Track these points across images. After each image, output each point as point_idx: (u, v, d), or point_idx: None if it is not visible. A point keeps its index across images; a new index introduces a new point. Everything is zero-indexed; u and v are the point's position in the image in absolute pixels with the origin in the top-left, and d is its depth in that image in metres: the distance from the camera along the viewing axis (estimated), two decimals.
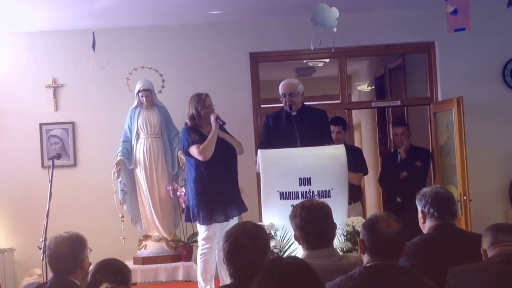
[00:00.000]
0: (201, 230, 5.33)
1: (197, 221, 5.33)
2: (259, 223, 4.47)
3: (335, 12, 4.73)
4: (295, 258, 2.43)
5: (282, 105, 5.49)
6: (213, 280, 5.36)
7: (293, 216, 3.30)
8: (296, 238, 3.28)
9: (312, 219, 3.20)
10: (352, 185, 5.41)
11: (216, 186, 5.24)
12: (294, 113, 5.29)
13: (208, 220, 5.22)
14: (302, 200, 4.10)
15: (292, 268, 2.22)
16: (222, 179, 5.27)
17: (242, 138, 5.73)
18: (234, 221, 5.21)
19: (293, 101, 5.35)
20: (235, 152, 5.40)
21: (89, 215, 6.57)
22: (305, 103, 5.56)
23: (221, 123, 5.28)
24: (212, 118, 5.26)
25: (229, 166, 5.34)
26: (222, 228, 5.19)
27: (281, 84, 5.45)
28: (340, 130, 6.21)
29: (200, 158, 5.19)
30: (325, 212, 3.28)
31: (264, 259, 2.77)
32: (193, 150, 5.22)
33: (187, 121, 5.40)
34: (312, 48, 4.66)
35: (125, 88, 6.72)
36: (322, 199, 4.04)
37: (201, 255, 5.33)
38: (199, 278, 5.37)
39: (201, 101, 5.33)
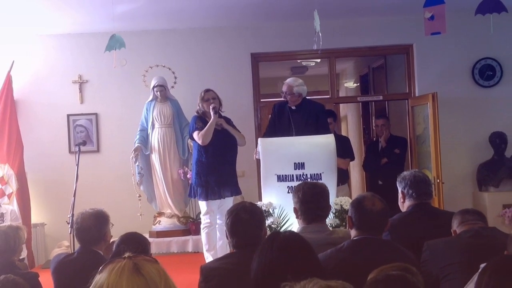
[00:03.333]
0: (202, 206, 5.35)
1: (196, 197, 5.36)
2: (257, 203, 4.50)
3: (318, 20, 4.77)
4: (291, 232, 2.44)
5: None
6: (216, 249, 5.36)
7: (296, 190, 3.29)
8: (295, 211, 3.26)
9: (313, 194, 3.21)
10: (340, 169, 5.41)
11: (213, 168, 5.24)
12: (293, 107, 5.35)
13: (204, 196, 5.24)
14: (297, 182, 4.11)
15: (289, 241, 2.23)
16: (219, 163, 5.26)
17: (244, 129, 5.72)
18: (229, 200, 5.22)
19: (290, 99, 5.41)
20: (235, 142, 5.38)
21: (110, 194, 6.55)
22: (307, 97, 5.57)
23: (214, 112, 5.21)
24: (210, 108, 5.26)
25: (227, 153, 5.33)
26: (219, 206, 5.23)
27: (285, 81, 5.50)
28: (331, 121, 6.19)
29: (199, 142, 5.22)
30: (324, 191, 3.28)
31: (261, 231, 2.86)
32: (195, 135, 5.26)
33: (196, 112, 5.42)
34: (315, 48, 4.66)
35: (142, 84, 6.71)
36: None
37: (203, 228, 5.35)
38: (204, 250, 5.38)
39: (200, 96, 5.37)
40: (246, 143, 5.53)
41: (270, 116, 5.78)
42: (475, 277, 2.09)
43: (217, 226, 5.32)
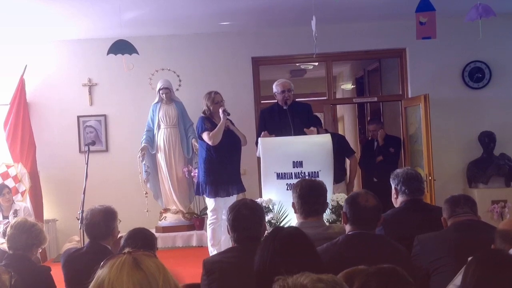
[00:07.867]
0: (209, 203, 5.33)
1: (204, 194, 5.33)
2: (257, 199, 4.49)
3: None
4: (293, 227, 2.46)
5: (276, 101, 5.45)
6: (220, 244, 5.36)
7: (295, 186, 3.28)
8: (293, 206, 3.26)
9: (311, 189, 3.20)
10: (338, 168, 5.42)
11: (222, 167, 5.23)
12: (285, 107, 5.25)
13: (213, 194, 5.22)
14: (296, 179, 4.10)
15: (290, 236, 2.23)
16: (227, 162, 5.26)
17: (245, 128, 5.72)
18: (234, 197, 5.22)
19: (290, 96, 5.31)
20: (239, 142, 5.39)
21: (118, 192, 6.56)
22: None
23: (226, 114, 5.22)
24: (220, 111, 5.24)
25: (234, 153, 5.33)
26: (225, 202, 5.21)
27: (279, 82, 5.39)
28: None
29: (209, 143, 5.19)
30: (321, 187, 3.27)
31: (260, 226, 2.85)
32: (205, 136, 5.22)
33: (202, 113, 5.40)
34: (315, 51, 4.68)
35: (148, 86, 6.72)
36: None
37: (209, 224, 5.34)
38: (209, 245, 5.38)
39: (211, 98, 5.33)
40: (247, 142, 5.53)
41: (259, 123, 5.69)
42: (462, 270, 2.09)
43: (222, 222, 5.30)
